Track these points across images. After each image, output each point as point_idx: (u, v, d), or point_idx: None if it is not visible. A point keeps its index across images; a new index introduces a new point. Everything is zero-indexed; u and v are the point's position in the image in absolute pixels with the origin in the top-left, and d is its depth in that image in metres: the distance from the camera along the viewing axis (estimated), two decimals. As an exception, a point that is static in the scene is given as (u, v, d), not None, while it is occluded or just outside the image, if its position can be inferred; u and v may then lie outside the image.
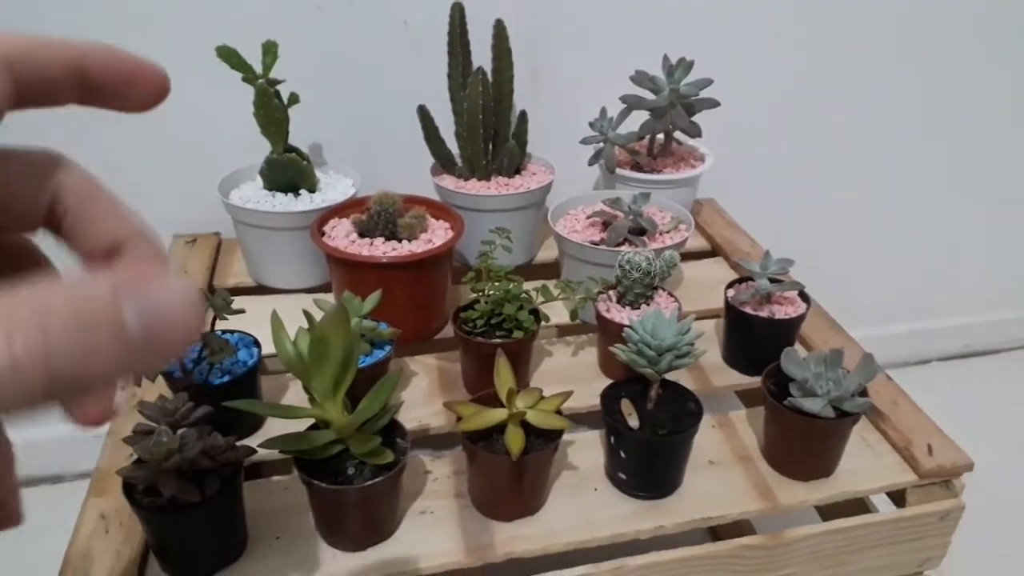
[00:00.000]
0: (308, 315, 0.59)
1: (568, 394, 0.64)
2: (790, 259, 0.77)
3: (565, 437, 0.72)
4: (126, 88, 0.24)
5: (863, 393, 0.66)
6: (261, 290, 0.92)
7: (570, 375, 0.80)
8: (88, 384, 0.18)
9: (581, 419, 0.74)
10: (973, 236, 1.38)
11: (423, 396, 0.77)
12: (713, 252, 1.04)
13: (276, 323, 0.59)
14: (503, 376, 0.61)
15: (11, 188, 0.23)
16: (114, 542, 0.60)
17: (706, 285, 0.95)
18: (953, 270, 1.40)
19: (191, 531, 0.56)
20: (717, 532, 0.89)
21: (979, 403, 1.35)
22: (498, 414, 0.60)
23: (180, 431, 0.55)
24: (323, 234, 0.82)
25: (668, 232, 0.87)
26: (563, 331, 0.88)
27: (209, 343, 0.64)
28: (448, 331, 0.86)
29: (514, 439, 0.58)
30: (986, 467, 1.22)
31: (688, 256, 1.03)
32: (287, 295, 0.90)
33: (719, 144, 1.03)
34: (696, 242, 1.05)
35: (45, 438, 1.11)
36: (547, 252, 1.01)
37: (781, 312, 0.77)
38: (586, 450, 0.71)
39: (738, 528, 0.77)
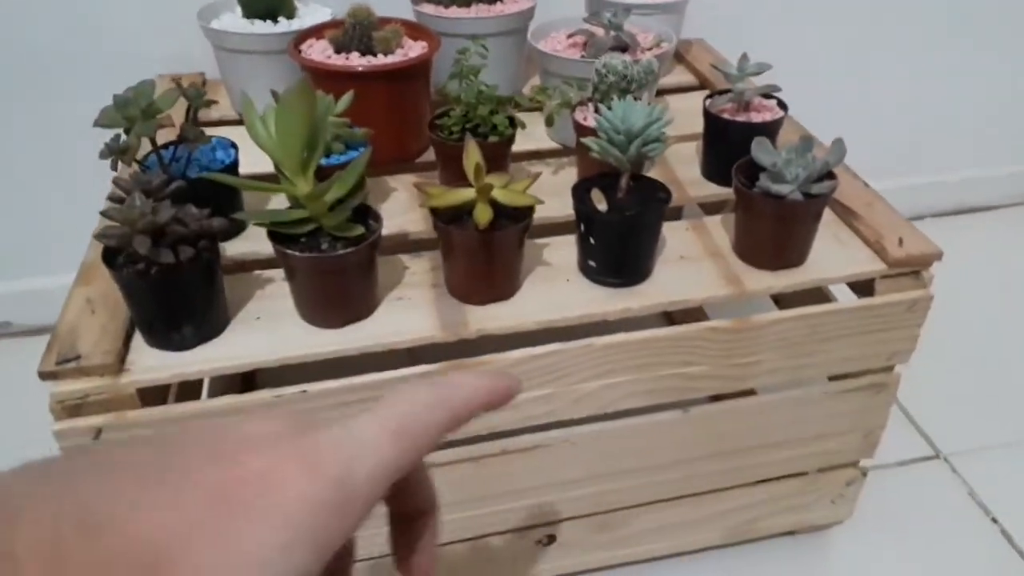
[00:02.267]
0: (275, 93, 0.60)
1: (538, 175, 0.64)
2: (768, 63, 0.76)
3: (540, 240, 0.74)
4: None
5: (831, 176, 0.66)
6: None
7: (549, 189, 0.80)
8: None
9: (558, 228, 0.75)
10: (971, 88, 1.35)
11: (403, 206, 0.78)
12: (701, 86, 1.03)
13: (246, 102, 0.60)
14: (471, 155, 0.61)
15: None
16: (100, 320, 0.62)
17: (691, 113, 0.93)
18: (949, 123, 1.37)
19: (169, 298, 0.58)
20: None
21: (974, 258, 1.35)
22: (466, 192, 0.61)
23: (154, 200, 0.56)
24: (300, 52, 0.82)
25: (650, 49, 0.86)
26: (544, 154, 0.88)
27: (184, 133, 0.65)
28: (429, 156, 0.87)
29: (482, 212, 0.60)
30: (978, 313, 1.23)
31: (675, 90, 1.02)
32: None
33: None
34: (684, 77, 1.04)
35: (54, 285, 1.14)
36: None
37: (759, 118, 0.77)
38: (561, 251, 0.72)
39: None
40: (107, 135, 0.63)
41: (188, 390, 0.70)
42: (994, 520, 0.95)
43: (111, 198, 0.57)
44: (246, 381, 0.92)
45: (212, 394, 0.78)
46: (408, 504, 0.30)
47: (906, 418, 1.08)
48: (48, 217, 1.13)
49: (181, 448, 0.23)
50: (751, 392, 0.76)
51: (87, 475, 0.22)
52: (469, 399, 0.27)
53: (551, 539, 0.80)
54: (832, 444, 0.81)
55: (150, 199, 0.56)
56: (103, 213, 0.57)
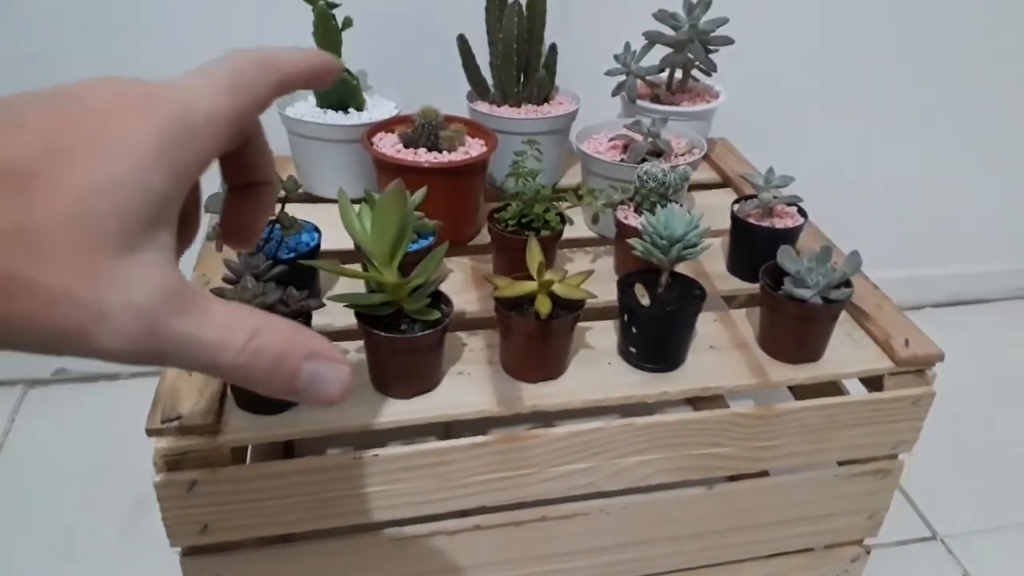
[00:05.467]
0: (368, 193, 0.69)
1: (590, 272, 0.73)
2: (791, 176, 0.86)
3: (583, 324, 0.82)
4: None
5: (847, 284, 0.75)
6: (312, 199, 1.01)
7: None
8: (255, 385, 0.27)
9: (599, 313, 0.84)
10: (970, 186, 1.46)
11: (459, 287, 0.86)
12: (724, 184, 1.13)
13: (343, 197, 0.68)
14: (533, 253, 0.70)
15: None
16: (196, 384, 0.70)
17: (715, 209, 1.02)
18: (948, 218, 1.48)
19: (268, 368, 0.66)
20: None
21: (968, 349, 1.43)
22: (529, 284, 0.70)
23: (262, 281, 0.64)
24: (372, 144, 0.91)
25: (683, 155, 0.96)
26: (583, 243, 0.97)
27: (281, 220, 0.74)
28: (480, 239, 0.96)
29: (542, 303, 0.68)
30: (972, 401, 1.31)
31: (700, 187, 1.11)
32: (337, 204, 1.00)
33: (734, 89, 1.12)
34: (708, 175, 1.14)
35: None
36: (569, 180, 1.10)
37: (781, 224, 0.86)
38: (602, 335, 0.81)
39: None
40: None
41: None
42: (987, 600, 1.01)
43: (225, 279, 0.65)
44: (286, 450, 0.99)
45: (254, 459, 0.83)
46: (247, 174, 0.34)
47: (906, 500, 1.15)
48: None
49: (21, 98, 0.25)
50: (765, 473, 0.83)
51: None
52: (293, 61, 0.30)
53: (579, 601, 0.86)
54: (839, 523, 0.88)
55: (259, 281, 0.64)
56: (216, 292, 0.65)
